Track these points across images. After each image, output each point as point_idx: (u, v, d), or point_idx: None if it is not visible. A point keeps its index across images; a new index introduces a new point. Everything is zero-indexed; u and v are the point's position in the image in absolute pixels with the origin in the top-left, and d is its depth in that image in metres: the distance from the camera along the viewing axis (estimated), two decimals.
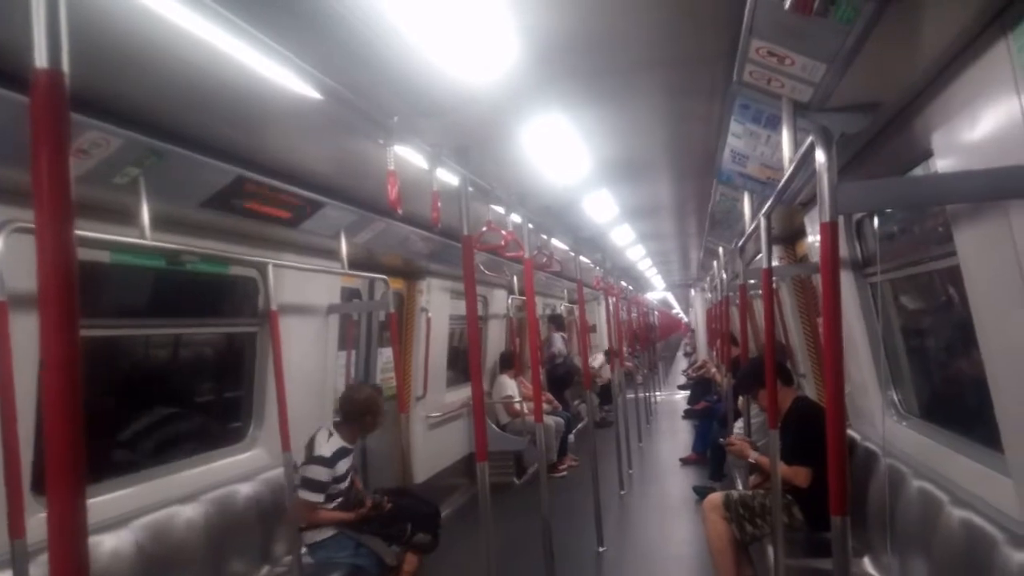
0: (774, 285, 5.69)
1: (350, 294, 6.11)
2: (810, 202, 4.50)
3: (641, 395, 11.71)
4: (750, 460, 4.57)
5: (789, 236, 6.00)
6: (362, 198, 4.63)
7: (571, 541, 5.69)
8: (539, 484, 4.15)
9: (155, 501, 3.56)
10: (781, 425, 3.92)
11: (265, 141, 3.42)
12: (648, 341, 14.57)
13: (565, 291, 12.46)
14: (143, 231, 2.98)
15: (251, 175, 3.44)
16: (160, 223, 3.18)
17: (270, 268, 3.91)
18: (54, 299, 1.05)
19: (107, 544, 3.12)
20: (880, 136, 2.88)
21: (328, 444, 4.16)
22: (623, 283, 11.37)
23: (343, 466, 4.14)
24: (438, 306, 7.22)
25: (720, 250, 7.07)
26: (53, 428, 1.02)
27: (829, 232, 1.86)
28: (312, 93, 2.42)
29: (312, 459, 4.08)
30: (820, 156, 1.88)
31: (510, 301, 9.21)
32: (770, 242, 3.26)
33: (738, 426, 5.59)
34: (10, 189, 2.65)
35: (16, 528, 2.21)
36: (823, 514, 2.63)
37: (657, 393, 15.00)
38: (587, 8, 2.37)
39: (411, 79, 2.53)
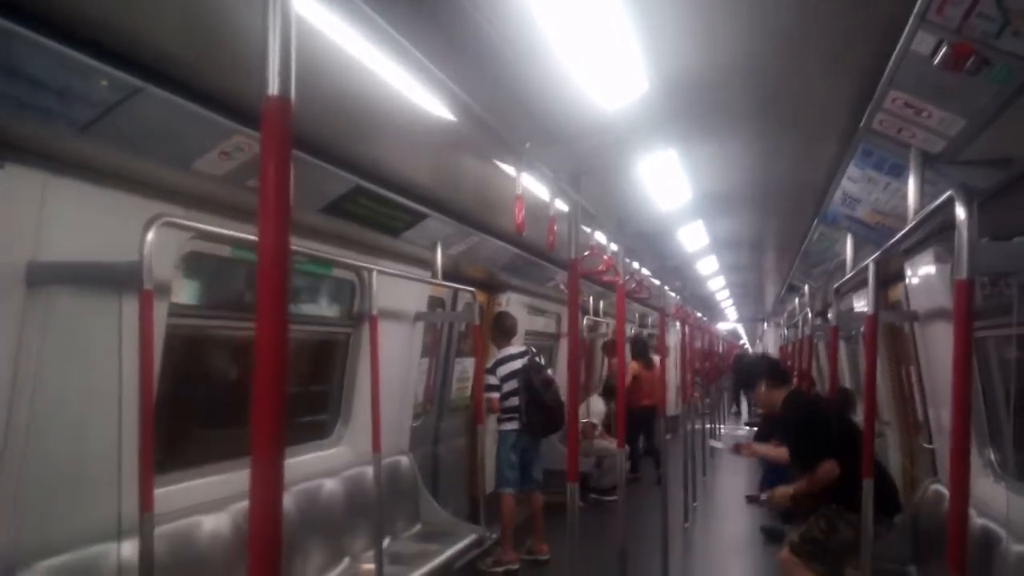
0: (860, 330, 5.59)
1: (433, 303, 6.23)
2: (912, 249, 4.42)
3: (705, 426, 11.53)
4: (786, 492, 4.45)
5: (882, 280, 5.89)
6: (459, 211, 4.75)
7: (636, 568, 5.66)
8: (604, 508, 4.17)
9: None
10: (781, 427, 3.97)
11: (384, 152, 3.56)
12: (716, 372, 14.34)
13: (637, 315, 12.41)
14: None
15: (368, 185, 3.58)
16: None
17: (375, 274, 4.05)
18: (270, 297, 1.17)
19: (207, 525, 3.28)
20: (1008, 190, 2.83)
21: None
22: (698, 313, 11.28)
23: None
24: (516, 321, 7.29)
25: (806, 288, 6.97)
26: (261, 402, 1.15)
27: (965, 290, 1.86)
28: (446, 114, 2.53)
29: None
30: (960, 213, 1.88)
31: (584, 321, 9.23)
32: (878, 288, 3.23)
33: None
34: (157, 184, 2.83)
35: (146, 502, 2.36)
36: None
37: (721, 426, 14.75)
38: (725, 44, 2.42)
39: (544, 106, 2.62)
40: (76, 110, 2.25)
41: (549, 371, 6.16)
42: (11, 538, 2.46)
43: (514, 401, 5.87)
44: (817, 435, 3.97)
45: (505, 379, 5.88)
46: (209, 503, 3.34)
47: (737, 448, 5.15)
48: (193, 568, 3.12)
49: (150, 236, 2.50)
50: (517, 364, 5.93)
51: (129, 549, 2.54)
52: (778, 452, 4.63)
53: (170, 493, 3.10)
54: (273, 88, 1.22)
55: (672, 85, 2.60)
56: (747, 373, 4.60)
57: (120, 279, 2.59)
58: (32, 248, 2.50)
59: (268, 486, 1.16)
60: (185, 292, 3.66)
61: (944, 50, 1.87)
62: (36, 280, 2.49)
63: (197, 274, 3.67)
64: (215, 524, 3.31)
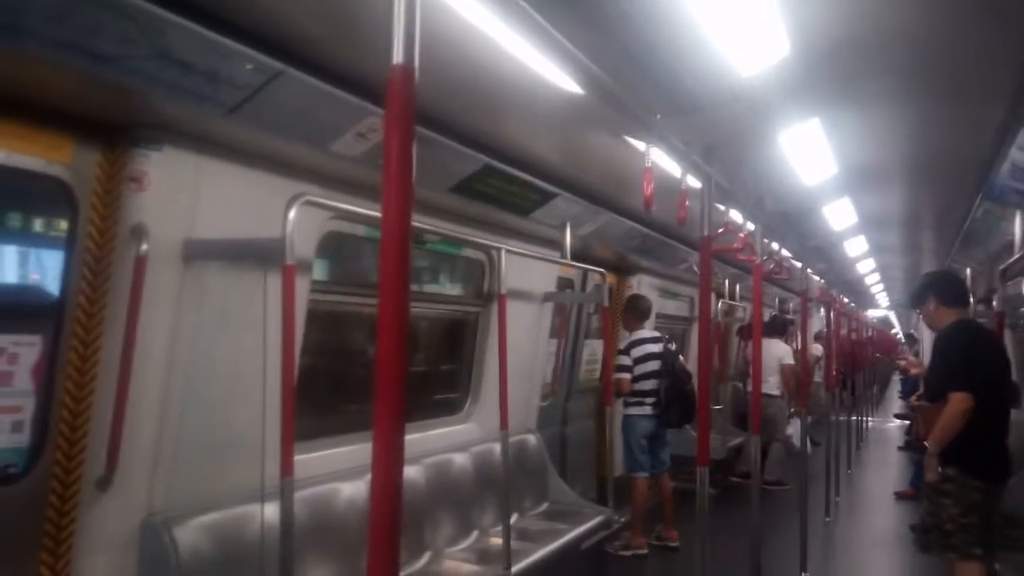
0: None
1: (562, 284, 6.22)
2: None
3: (851, 419, 10.91)
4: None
5: None
6: (588, 190, 4.69)
7: (773, 561, 5.45)
8: (749, 497, 4.02)
9: None
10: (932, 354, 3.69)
11: (512, 130, 3.56)
12: (865, 361, 13.51)
13: (776, 300, 11.91)
14: None
15: (497, 164, 3.59)
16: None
17: (503, 253, 4.07)
18: (393, 270, 1.18)
19: (345, 492, 3.43)
20: None
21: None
22: (844, 298, 10.66)
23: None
24: None
25: (968, 271, 6.41)
26: (385, 376, 1.17)
27: None
28: (574, 87, 2.49)
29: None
30: None
31: (720, 305, 8.93)
32: None
33: None
34: (298, 165, 2.97)
35: (287, 467, 2.49)
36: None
37: (868, 419, 13.93)
38: (871, 3, 2.23)
39: (675, 74, 2.52)
40: (224, 93, 2.38)
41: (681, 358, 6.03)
42: (168, 496, 2.68)
43: (648, 385, 5.79)
44: (963, 363, 3.53)
45: (638, 361, 5.80)
46: (345, 471, 3.48)
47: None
48: (330, 530, 3.28)
49: (292, 214, 2.61)
50: (653, 348, 5.87)
51: (271, 511, 2.69)
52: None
53: (310, 460, 3.26)
54: (398, 57, 1.22)
55: (815, 48, 2.43)
56: (917, 289, 3.97)
57: (265, 255, 2.73)
58: (187, 226, 2.68)
59: (390, 461, 1.18)
60: (326, 270, 3.84)
61: None
62: (191, 256, 2.68)
63: (337, 254, 3.83)
64: (351, 491, 3.46)
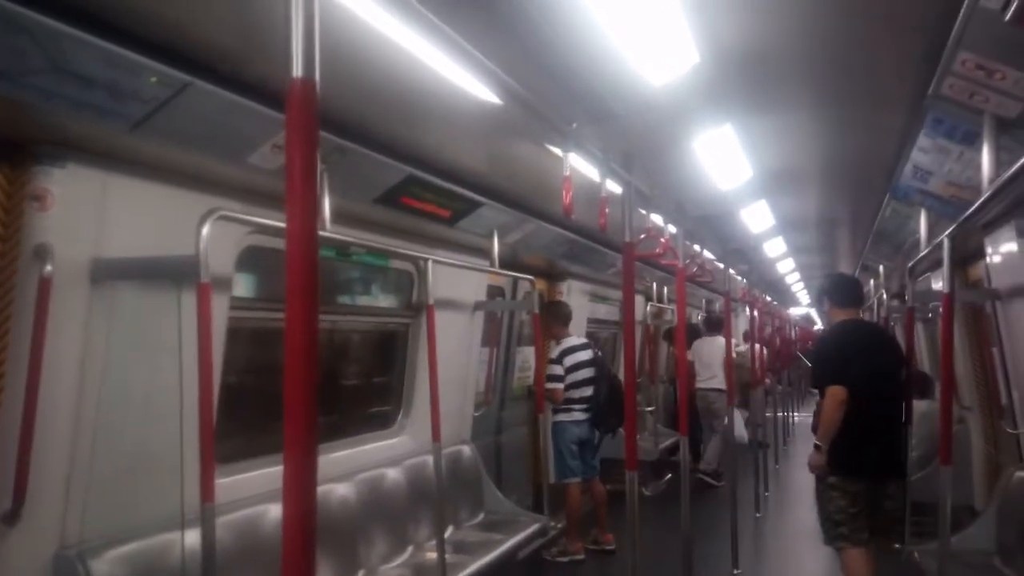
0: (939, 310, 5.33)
1: (493, 292, 6.22)
2: (992, 222, 4.18)
3: (778, 414, 11.22)
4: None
5: (961, 257, 5.59)
6: (513, 198, 4.71)
7: (705, 559, 5.55)
8: (679, 497, 4.09)
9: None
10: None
11: (434, 141, 3.55)
12: (789, 358, 13.92)
13: (703, 301, 12.17)
14: (324, 223, 3.15)
15: (420, 174, 3.57)
16: (333, 216, 3.35)
17: (430, 264, 4.05)
18: (299, 285, 1.15)
19: (272, 513, 3.34)
20: None
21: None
22: (767, 297, 10.97)
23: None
24: (577, 308, 7.21)
25: (880, 268, 6.69)
26: (292, 398, 1.13)
27: None
28: (492, 97, 2.49)
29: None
30: None
31: (648, 308, 9.07)
32: (953, 265, 3.06)
33: None
34: (214, 180, 2.89)
35: (207, 492, 2.41)
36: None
37: (795, 414, 14.35)
38: (779, 10, 2.31)
39: (590, 83, 2.55)
40: (129, 107, 2.29)
41: None
42: (82, 528, 2.56)
43: (580, 392, 5.83)
44: (837, 359, 3.76)
45: (571, 370, 5.83)
46: (270, 493, 3.39)
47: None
48: (256, 555, 3.18)
49: (205, 230, 2.53)
50: (583, 355, 5.91)
51: (193, 538, 2.60)
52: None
53: (236, 482, 3.17)
54: (297, 70, 1.20)
55: (724, 56, 2.50)
56: (815, 291, 4.30)
57: (179, 273, 2.65)
58: (95, 245, 2.57)
59: (301, 485, 1.14)
60: (250, 286, 3.73)
61: (1016, 5, 1.73)
62: (99, 276, 2.57)
63: (259, 269, 3.73)
64: (278, 513, 3.37)
